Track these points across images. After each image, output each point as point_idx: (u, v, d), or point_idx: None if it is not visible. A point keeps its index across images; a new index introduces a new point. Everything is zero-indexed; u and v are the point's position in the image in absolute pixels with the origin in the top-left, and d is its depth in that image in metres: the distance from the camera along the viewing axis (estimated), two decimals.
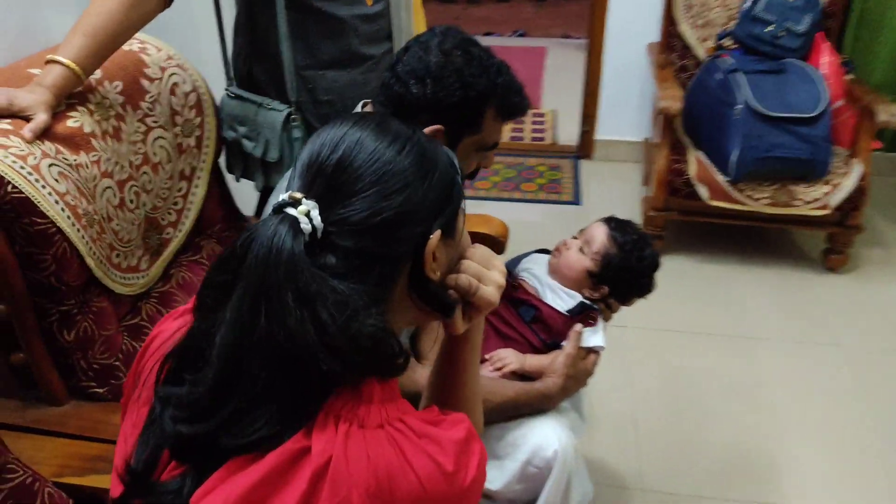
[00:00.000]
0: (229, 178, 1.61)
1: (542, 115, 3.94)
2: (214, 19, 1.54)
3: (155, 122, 1.35)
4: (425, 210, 0.70)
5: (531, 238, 2.65)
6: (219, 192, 1.54)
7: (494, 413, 1.19)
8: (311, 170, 0.69)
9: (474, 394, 0.87)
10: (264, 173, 1.50)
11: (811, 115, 2.26)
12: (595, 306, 1.33)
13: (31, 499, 0.92)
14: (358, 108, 1.21)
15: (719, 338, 2.28)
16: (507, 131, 3.78)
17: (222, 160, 1.57)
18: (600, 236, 1.33)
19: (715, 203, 2.41)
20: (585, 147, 3.43)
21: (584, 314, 1.31)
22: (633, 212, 2.85)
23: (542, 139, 3.66)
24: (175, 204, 1.42)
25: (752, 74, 2.32)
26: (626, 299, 1.37)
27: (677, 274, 2.57)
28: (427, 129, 1.10)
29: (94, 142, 1.19)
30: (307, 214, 0.65)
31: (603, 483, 1.75)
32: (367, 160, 0.68)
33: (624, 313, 1.44)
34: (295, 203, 0.65)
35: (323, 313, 0.61)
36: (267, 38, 1.43)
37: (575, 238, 1.38)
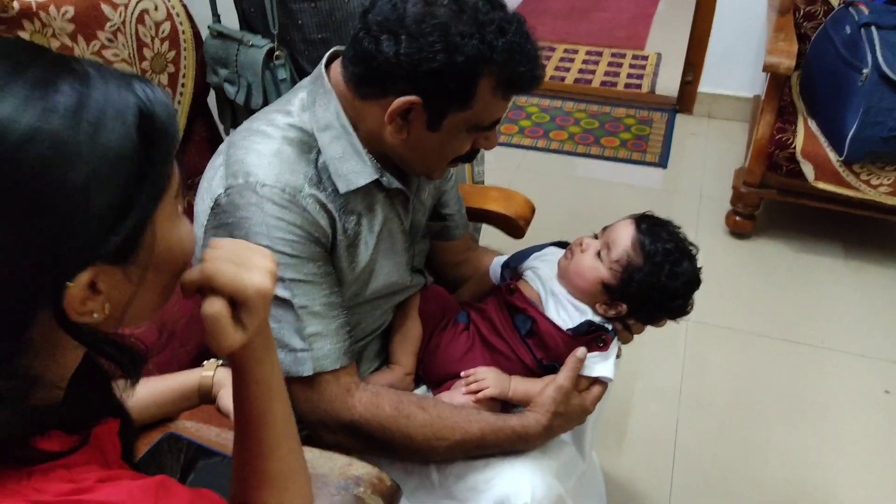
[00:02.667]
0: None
1: (643, 57, 3.50)
2: None
3: (116, 55, 1.16)
4: (62, 245, 0.46)
5: (589, 207, 2.34)
6: (205, 137, 1.36)
7: (451, 452, 0.97)
8: None
9: (282, 462, 0.67)
10: None
11: None
12: (607, 327, 1.06)
13: None
14: (323, 61, 0.97)
15: (799, 347, 1.92)
16: (598, 76, 3.40)
17: (212, 100, 1.38)
18: (624, 240, 1.04)
19: (821, 185, 2.00)
20: (686, 100, 3.01)
21: (592, 335, 1.05)
22: (729, 182, 2.46)
23: (638, 86, 3.25)
24: None
25: (891, 31, 1.85)
26: (650, 321, 1.09)
27: (764, 262, 2.20)
28: (397, 102, 0.86)
29: None
30: None
31: None
32: None
33: None
34: None
35: None
36: None
37: (595, 237, 1.10)
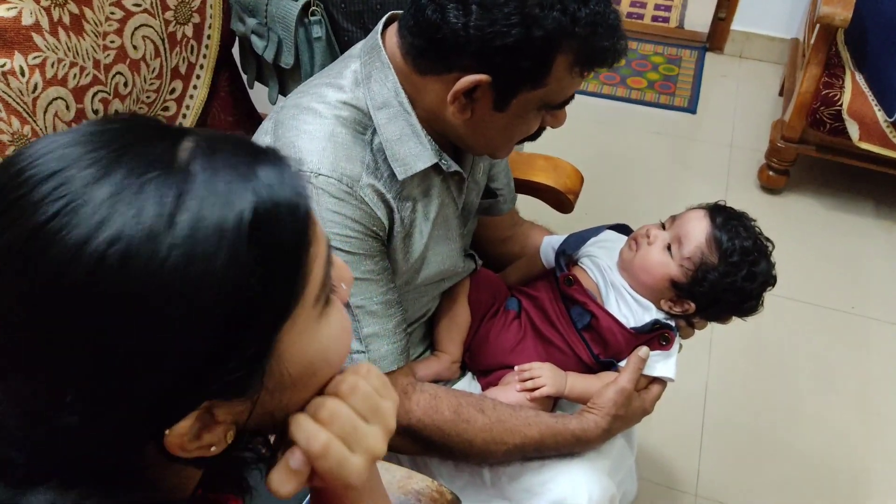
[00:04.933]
0: None
1: None
2: None
3: (137, 5, 1.04)
4: (144, 391, 0.38)
5: (615, 158, 2.25)
6: (229, 92, 1.25)
7: (508, 456, 0.93)
8: None
9: None
10: (279, 80, 1.19)
11: None
12: (672, 324, 1.00)
13: None
14: (379, 27, 0.86)
15: (831, 312, 1.89)
16: (624, 5, 3.21)
17: (238, 51, 1.26)
18: (698, 235, 0.97)
19: (864, 145, 1.91)
20: (717, 37, 2.86)
21: (655, 333, 0.99)
22: (761, 131, 2.36)
23: (665, 19, 3.08)
24: (165, 109, 1.14)
25: None
26: (717, 319, 1.03)
27: (794, 220, 2.14)
28: (463, 81, 0.77)
29: (36, 38, 0.90)
30: None
31: (650, 479, 1.50)
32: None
33: None
34: None
35: None
36: None
37: (663, 226, 1.02)
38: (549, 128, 0.91)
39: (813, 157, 2.13)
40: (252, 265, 0.38)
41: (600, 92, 2.63)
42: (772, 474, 1.54)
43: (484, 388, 1.05)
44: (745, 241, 0.95)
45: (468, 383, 1.08)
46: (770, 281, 0.97)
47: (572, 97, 0.85)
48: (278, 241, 0.40)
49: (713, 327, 1.82)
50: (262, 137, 0.86)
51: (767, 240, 0.99)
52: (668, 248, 0.98)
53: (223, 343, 0.38)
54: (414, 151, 0.84)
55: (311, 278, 0.43)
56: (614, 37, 0.78)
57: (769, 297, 1.91)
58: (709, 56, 2.84)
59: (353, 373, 0.49)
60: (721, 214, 0.98)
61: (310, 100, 0.85)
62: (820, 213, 2.17)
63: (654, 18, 3.08)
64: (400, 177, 0.84)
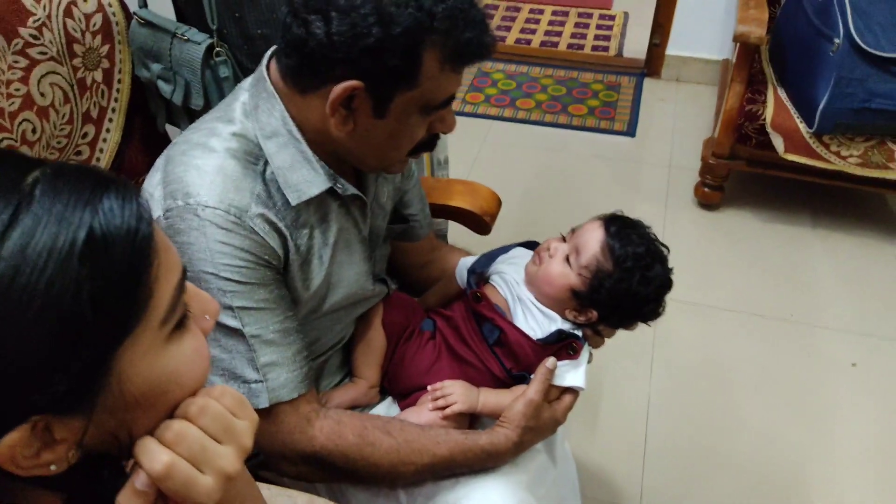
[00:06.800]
0: None
1: (611, 17, 3.41)
2: None
3: (43, 53, 1.06)
4: None
5: (558, 183, 2.29)
6: (144, 134, 1.27)
7: (418, 476, 0.93)
8: None
9: None
10: (191, 121, 1.21)
11: None
12: (577, 334, 1.02)
13: None
14: (265, 59, 0.89)
15: (772, 322, 1.92)
16: (565, 38, 3.31)
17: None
18: (592, 245, 0.99)
19: (791, 157, 1.97)
20: (654, 63, 2.95)
21: (562, 343, 1.01)
22: (698, 150, 2.42)
23: (605, 48, 3.17)
24: (78, 153, 1.16)
25: None
26: (622, 326, 1.05)
27: (732, 234, 2.19)
28: (337, 89, 0.78)
29: None
30: None
31: (593, 497, 1.50)
32: None
33: None
34: None
35: None
36: None
37: (564, 239, 1.05)
38: (443, 135, 0.91)
39: (745, 171, 2.19)
40: (82, 284, 0.39)
41: (542, 120, 2.69)
42: (716, 487, 1.54)
43: (403, 411, 1.05)
44: (637, 247, 0.98)
45: (387, 407, 1.08)
46: (667, 284, 1.00)
47: (452, 97, 0.85)
48: (112, 263, 0.41)
49: (654, 341, 1.85)
50: (154, 174, 0.88)
51: (663, 245, 1.02)
52: (568, 259, 1.01)
53: (47, 358, 0.39)
54: (307, 177, 0.86)
55: (155, 301, 0.44)
56: (477, 30, 0.79)
57: (709, 309, 1.94)
58: (647, 81, 2.92)
59: (204, 394, 0.50)
60: (615, 223, 1.01)
61: (200, 135, 0.87)
62: (756, 226, 2.22)
63: (594, 48, 3.17)
64: (293, 202, 0.86)
